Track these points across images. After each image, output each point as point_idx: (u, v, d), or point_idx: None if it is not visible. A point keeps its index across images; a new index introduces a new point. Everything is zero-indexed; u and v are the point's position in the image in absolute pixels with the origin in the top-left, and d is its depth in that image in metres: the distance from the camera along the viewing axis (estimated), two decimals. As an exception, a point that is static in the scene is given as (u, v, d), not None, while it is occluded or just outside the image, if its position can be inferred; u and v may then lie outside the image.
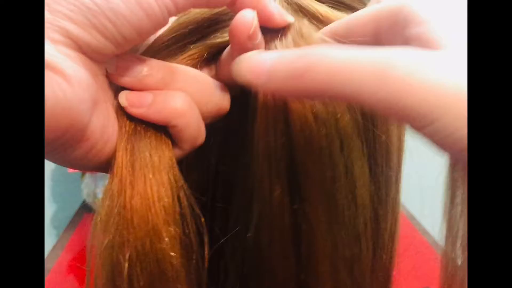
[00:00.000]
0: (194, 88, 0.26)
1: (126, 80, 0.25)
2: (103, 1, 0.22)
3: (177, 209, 0.24)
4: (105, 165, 0.25)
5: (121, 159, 0.24)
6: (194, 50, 0.27)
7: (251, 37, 0.24)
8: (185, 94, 0.25)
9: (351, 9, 0.31)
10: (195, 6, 0.24)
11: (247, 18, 0.24)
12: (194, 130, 0.26)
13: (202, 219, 0.26)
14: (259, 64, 0.23)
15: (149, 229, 0.23)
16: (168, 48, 0.27)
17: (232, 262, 0.31)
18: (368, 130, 0.30)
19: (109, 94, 0.25)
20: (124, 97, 0.25)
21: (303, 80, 0.21)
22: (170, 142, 0.25)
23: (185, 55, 0.27)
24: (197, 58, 0.27)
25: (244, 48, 0.25)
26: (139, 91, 0.25)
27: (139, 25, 0.23)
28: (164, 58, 0.26)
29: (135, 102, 0.25)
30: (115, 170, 0.24)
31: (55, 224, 1.28)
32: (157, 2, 0.23)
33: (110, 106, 0.25)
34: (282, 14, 0.26)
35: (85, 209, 1.19)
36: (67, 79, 0.21)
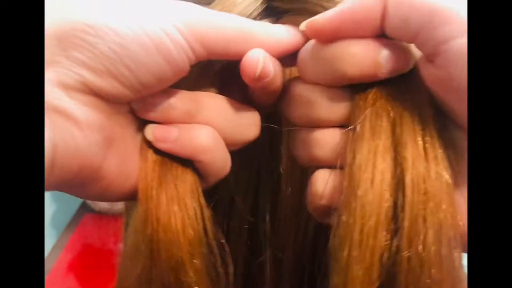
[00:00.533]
0: (220, 116, 0.25)
1: (151, 114, 0.25)
2: (121, 48, 0.21)
3: (203, 240, 0.24)
4: (130, 196, 0.25)
5: (146, 190, 0.24)
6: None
7: (259, 78, 0.24)
8: (211, 129, 0.25)
9: None
10: (212, 57, 0.24)
11: (252, 59, 0.24)
12: (220, 164, 0.25)
13: (227, 249, 0.26)
14: None
15: (173, 263, 0.23)
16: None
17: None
18: None
19: (130, 130, 0.25)
20: (150, 132, 0.25)
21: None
22: (195, 173, 0.25)
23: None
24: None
25: (256, 86, 0.24)
26: (165, 124, 0.25)
27: (158, 72, 0.22)
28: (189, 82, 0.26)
29: (161, 137, 0.24)
30: (140, 202, 0.24)
31: (55, 224, 1.28)
32: (177, 50, 0.22)
33: (130, 142, 0.25)
34: (290, 33, 0.25)
35: (85, 209, 1.19)
36: (77, 124, 0.21)
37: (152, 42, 0.22)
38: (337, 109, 0.24)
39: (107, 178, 0.24)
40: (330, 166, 0.24)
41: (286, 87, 0.26)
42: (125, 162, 0.24)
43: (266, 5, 0.28)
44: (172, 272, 0.23)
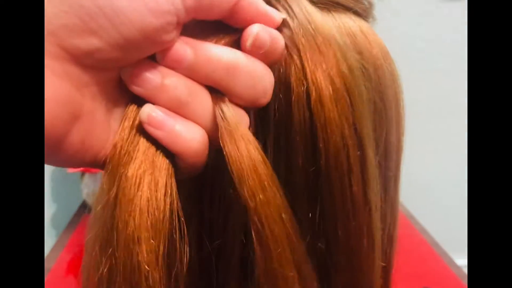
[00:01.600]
0: (208, 117, 0.25)
1: (137, 89, 0.24)
2: None
3: (166, 224, 0.23)
4: (89, 165, 0.24)
5: (118, 156, 0.23)
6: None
7: (253, 49, 0.25)
8: (205, 134, 0.24)
9: (347, 9, 0.31)
10: (200, 12, 0.23)
11: (247, 30, 0.24)
12: (198, 166, 0.25)
13: (185, 237, 0.25)
14: None
15: (129, 239, 0.22)
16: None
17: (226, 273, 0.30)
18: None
19: (104, 103, 0.24)
20: (146, 115, 0.23)
21: None
22: (173, 161, 0.24)
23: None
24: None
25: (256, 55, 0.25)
26: (162, 107, 0.24)
27: (142, 24, 0.21)
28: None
29: (156, 122, 0.23)
30: (110, 167, 0.23)
31: (54, 224, 1.27)
32: (168, 3, 0.21)
33: (102, 115, 0.24)
34: (277, 14, 0.26)
35: (85, 209, 1.19)
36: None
37: None
38: None
39: (68, 151, 0.23)
40: None
41: None
42: (90, 136, 0.23)
43: None
44: (127, 249, 0.22)
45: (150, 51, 0.23)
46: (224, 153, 0.24)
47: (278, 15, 0.26)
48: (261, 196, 0.23)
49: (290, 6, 0.27)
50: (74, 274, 0.93)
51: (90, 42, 0.21)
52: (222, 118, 0.24)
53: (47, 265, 0.91)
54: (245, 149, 0.23)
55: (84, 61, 0.22)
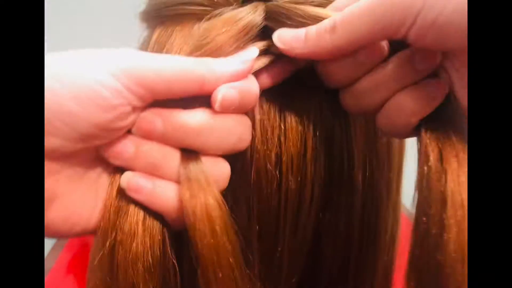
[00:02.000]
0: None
1: (115, 161, 0.26)
2: (56, 105, 0.22)
3: (161, 265, 0.25)
4: (77, 236, 0.26)
5: (108, 216, 0.25)
6: None
7: (222, 108, 0.26)
8: (178, 190, 0.26)
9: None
10: (159, 97, 0.25)
11: (213, 95, 0.25)
12: (180, 223, 0.26)
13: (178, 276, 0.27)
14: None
15: (129, 285, 0.24)
16: None
17: None
18: (370, 132, 0.30)
19: (81, 180, 0.26)
20: (126, 180, 0.25)
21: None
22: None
23: None
24: None
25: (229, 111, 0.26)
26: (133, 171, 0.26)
27: (97, 121, 0.23)
28: None
29: (134, 187, 0.25)
30: (101, 225, 0.25)
31: (55, 224, 1.28)
32: (114, 96, 0.23)
33: (81, 191, 0.26)
34: (234, 63, 0.26)
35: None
36: None
37: (85, 94, 0.22)
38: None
39: (50, 228, 0.24)
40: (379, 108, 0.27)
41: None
42: (72, 213, 0.25)
43: (263, 26, 0.28)
44: None
45: (112, 137, 0.25)
46: (182, 201, 0.25)
47: (246, 64, 0.26)
48: (208, 240, 0.24)
49: (298, 13, 0.27)
50: (74, 274, 0.93)
51: (52, 142, 0.22)
52: (184, 175, 0.25)
53: (47, 265, 0.91)
54: (201, 196, 0.25)
55: (51, 155, 0.23)
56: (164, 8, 0.31)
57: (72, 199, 0.25)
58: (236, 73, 0.26)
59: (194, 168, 0.26)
